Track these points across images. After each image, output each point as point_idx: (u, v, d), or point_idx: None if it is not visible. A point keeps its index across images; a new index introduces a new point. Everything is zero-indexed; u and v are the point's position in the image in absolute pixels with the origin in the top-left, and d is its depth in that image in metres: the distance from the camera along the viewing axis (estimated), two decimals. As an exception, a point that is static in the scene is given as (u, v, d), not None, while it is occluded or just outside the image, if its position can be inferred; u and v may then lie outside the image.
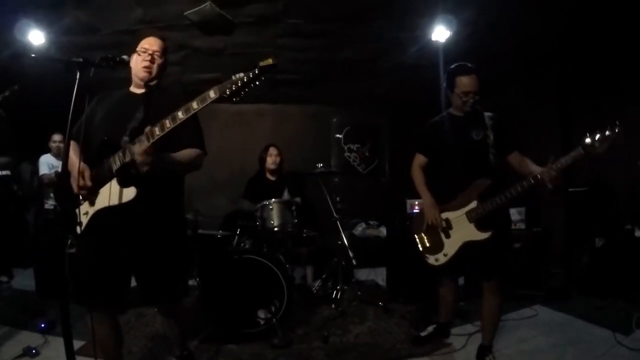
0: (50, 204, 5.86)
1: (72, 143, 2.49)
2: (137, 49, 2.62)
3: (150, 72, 2.59)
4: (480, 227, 3.15)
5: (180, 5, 4.42)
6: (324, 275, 5.13)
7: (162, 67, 2.66)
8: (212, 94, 2.12)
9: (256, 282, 3.81)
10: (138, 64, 2.59)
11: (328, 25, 4.96)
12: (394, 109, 8.38)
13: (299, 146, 7.71)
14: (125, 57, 2.36)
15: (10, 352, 3.53)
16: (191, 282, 5.07)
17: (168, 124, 2.17)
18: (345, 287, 4.97)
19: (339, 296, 4.70)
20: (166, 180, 2.51)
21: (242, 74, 2.09)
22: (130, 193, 2.29)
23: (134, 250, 2.45)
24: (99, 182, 2.35)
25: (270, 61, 2.08)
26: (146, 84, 2.61)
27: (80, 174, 2.29)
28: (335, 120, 8.54)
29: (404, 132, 7.57)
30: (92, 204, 2.38)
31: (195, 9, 4.45)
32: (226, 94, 2.10)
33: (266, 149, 5.30)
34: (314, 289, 4.98)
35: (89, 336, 2.34)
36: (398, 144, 8.18)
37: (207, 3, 4.35)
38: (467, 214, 3.20)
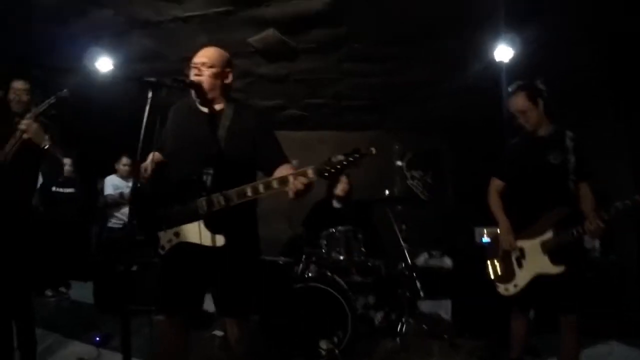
0: (113, 222, 6.04)
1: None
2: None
3: (202, 85, 2.49)
4: (554, 259, 2.97)
5: (244, 32, 4.48)
6: (387, 308, 4.88)
7: (217, 77, 2.53)
8: (310, 173, 2.13)
9: (320, 311, 3.74)
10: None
11: (391, 48, 4.89)
12: (455, 133, 8.15)
13: (360, 173, 7.49)
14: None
15: (64, 361, 3.63)
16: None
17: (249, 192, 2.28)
18: (411, 320, 4.72)
19: (403, 329, 4.48)
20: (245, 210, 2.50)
21: (341, 158, 2.08)
22: (220, 240, 2.35)
23: (214, 269, 2.46)
24: (184, 217, 2.42)
25: (373, 151, 2.08)
26: (207, 99, 2.52)
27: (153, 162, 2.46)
28: (397, 147, 8.40)
29: (466, 157, 7.44)
30: (176, 234, 2.46)
31: (259, 35, 4.49)
32: (324, 176, 2.12)
33: None
34: (376, 320, 4.76)
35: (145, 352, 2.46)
36: (461, 169, 7.93)
37: (270, 29, 4.38)
38: (542, 244, 3.03)
